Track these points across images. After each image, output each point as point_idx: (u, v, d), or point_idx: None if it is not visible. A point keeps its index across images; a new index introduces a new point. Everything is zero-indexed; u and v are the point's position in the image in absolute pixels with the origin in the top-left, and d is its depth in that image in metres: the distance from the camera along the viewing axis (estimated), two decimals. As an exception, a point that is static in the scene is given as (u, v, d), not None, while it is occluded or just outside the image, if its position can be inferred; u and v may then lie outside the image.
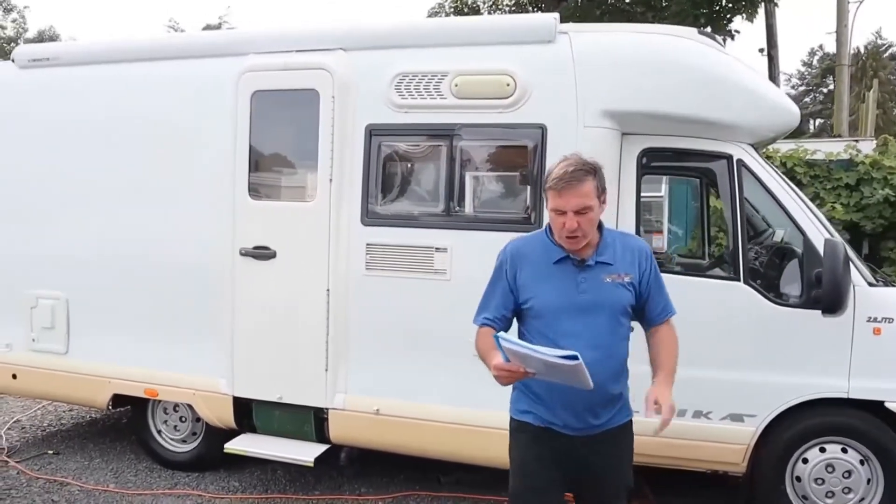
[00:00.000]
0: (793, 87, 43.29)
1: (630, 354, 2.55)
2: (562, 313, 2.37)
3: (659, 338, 2.56)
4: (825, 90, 39.71)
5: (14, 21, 33.93)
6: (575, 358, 2.07)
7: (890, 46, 41.00)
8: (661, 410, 2.36)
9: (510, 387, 2.49)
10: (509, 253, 2.52)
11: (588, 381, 2.16)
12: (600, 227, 2.46)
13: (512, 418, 2.58)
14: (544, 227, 2.49)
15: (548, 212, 2.39)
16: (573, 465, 2.46)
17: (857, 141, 8.35)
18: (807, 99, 42.45)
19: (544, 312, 2.42)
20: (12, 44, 36.35)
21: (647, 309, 2.53)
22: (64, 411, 6.13)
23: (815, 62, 42.83)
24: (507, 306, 2.50)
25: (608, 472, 2.50)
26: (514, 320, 2.57)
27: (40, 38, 37.95)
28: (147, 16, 65.25)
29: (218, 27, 21.01)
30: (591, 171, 2.34)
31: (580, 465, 2.46)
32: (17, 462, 4.91)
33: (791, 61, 53.89)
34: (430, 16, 18.59)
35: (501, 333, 2.23)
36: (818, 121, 40.05)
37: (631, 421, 2.57)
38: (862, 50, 39.03)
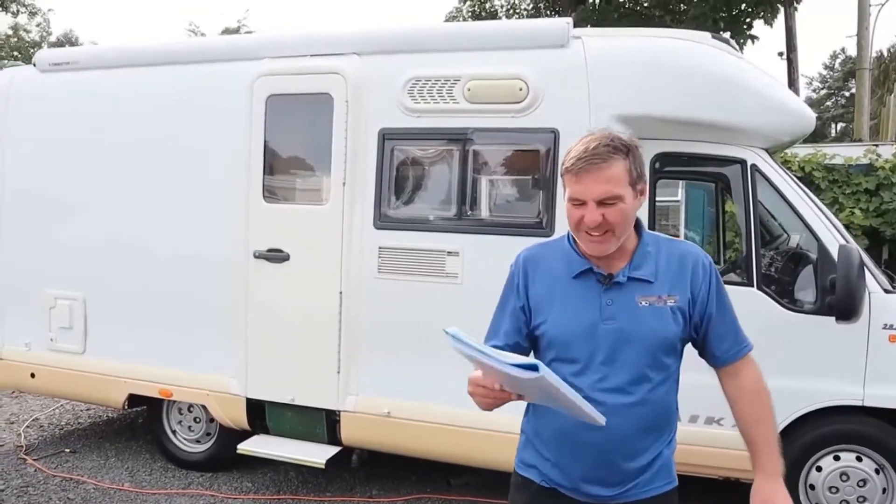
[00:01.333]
0: (814, 91, 42.85)
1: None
2: (579, 345, 1.80)
3: (742, 389, 1.94)
4: (847, 94, 39.25)
5: (38, 25, 34.43)
6: (534, 369, 1.50)
7: (914, 49, 40.40)
8: None
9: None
10: (522, 262, 1.95)
11: (592, 413, 1.65)
12: (639, 229, 1.87)
13: (514, 471, 2.02)
14: (567, 231, 1.93)
15: (565, 204, 1.82)
16: None
17: (876, 145, 8.23)
18: (828, 102, 41.98)
19: (556, 342, 1.84)
20: (36, 47, 36.92)
21: (711, 343, 1.91)
22: (81, 410, 6.21)
23: (836, 65, 42.34)
24: (521, 331, 1.90)
25: None
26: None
27: (61, 42, 38.48)
28: (167, 20, 66.00)
29: (237, 31, 21.20)
30: (621, 148, 1.75)
31: None
32: (34, 460, 4.98)
33: (813, 64, 53.41)
34: (447, 21, 18.63)
35: (453, 328, 1.59)
36: (840, 125, 39.59)
37: (674, 490, 1.92)
38: (885, 53, 38.52)
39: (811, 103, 39.91)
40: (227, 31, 22.56)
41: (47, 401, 6.35)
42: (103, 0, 69.66)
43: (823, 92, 43.05)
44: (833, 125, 40.46)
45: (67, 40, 38.61)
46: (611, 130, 1.83)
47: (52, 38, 37.92)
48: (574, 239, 1.88)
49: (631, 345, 1.79)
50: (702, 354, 1.97)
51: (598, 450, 1.81)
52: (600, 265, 1.84)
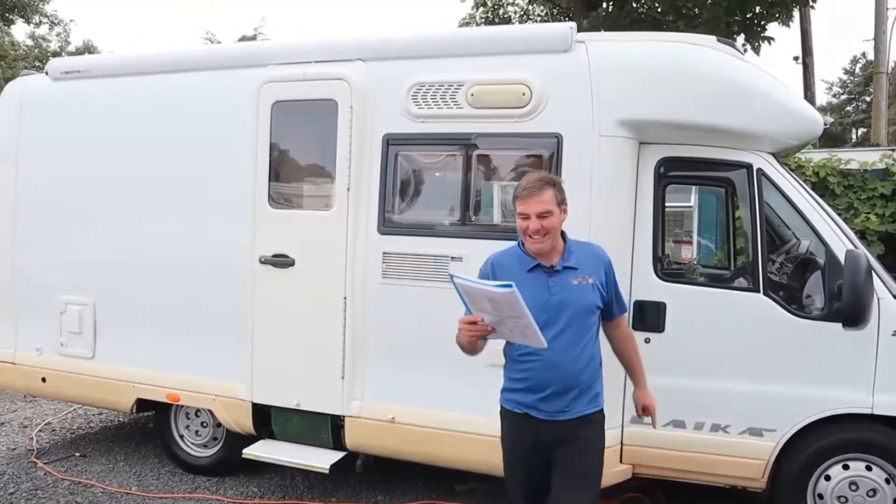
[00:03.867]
0: (834, 96, 42.37)
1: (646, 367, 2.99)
2: (538, 313, 2.54)
3: (621, 334, 3.01)
4: (868, 98, 38.75)
5: (58, 35, 34.91)
6: (508, 286, 2.37)
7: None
8: (649, 412, 3.00)
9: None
10: (490, 264, 2.88)
11: (538, 335, 2.47)
12: (564, 237, 2.82)
13: (500, 406, 2.91)
14: (517, 241, 2.84)
15: (517, 219, 2.75)
16: (547, 447, 2.78)
17: (893, 150, 8.10)
18: (849, 108, 41.50)
19: None
20: (56, 57, 37.41)
21: (609, 307, 2.88)
22: (93, 415, 6.27)
23: (857, 70, 41.84)
24: None
25: (575, 456, 2.78)
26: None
27: (80, 52, 38.98)
28: (184, 29, 66.62)
29: (253, 38, 21.36)
30: (550, 182, 2.74)
31: (552, 447, 2.77)
32: (44, 463, 5.03)
33: (834, 69, 52.82)
34: (460, 27, 18.66)
35: (455, 272, 2.58)
36: (861, 130, 39.11)
37: (601, 412, 2.85)
38: (907, 56, 37.97)
39: (831, 108, 39.46)
40: (244, 39, 22.69)
41: (60, 405, 6.41)
42: (122, 10, 70.71)
43: (844, 97, 42.57)
44: (854, 130, 39.99)
45: (87, 50, 39.10)
46: (543, 172, 3.06)
47: (72, 48, 38.44)
48: (522, 246, 2.81)
49: (570, 309, 2.72)
50: (602, 315, 2.87)
51: (556, 382, 2.71)
52: (543, 261, 2.75)
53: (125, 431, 5.89)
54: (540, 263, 2.75)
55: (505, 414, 2.90)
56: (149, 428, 5.82)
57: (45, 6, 26.77)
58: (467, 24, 18.73)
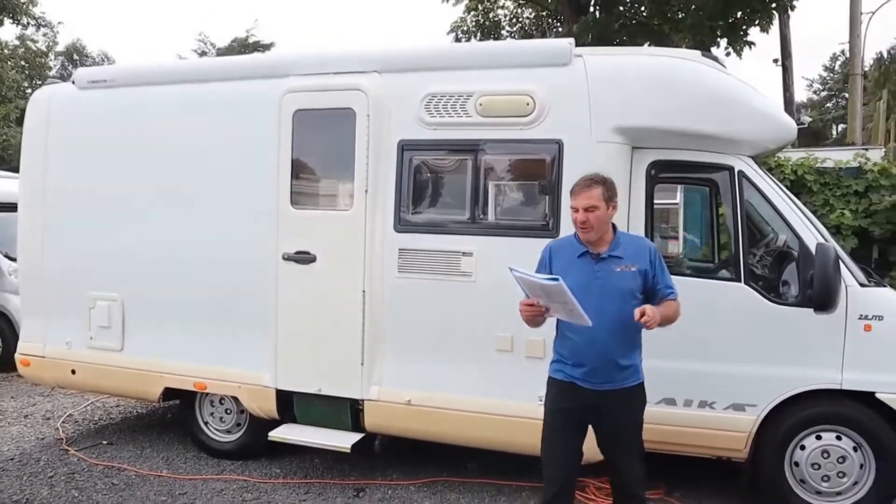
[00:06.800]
0: (814, 93, 42.95)
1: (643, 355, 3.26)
2: (582, 293, 2.97)
3: (665, 303, 3.24)
4: (847, 95, 39.33)
5: (45, 35, 34.74)
6: (556, 280, 2.89)
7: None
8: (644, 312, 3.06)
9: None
10: (549, 248, 3.38)
11: (583, 316, 2.93)
12: (614, 229, 3.24)
13: (549, 376, 3.36)
14: (574, 232, 3.26)
15: (571, 212, 3.20)
16: (589, 413, 3.22)
17: (866, 149, 8.56)
18: (829, 104, 42.11)
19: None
20: (43, 57, 37.21)
21: (655, 290, 3.22)
22: (112, 406, 6.56)
23: (836, 67, 42.48)
24: None
25: (618, 423, 3.23)
26: None
27: (69, 52, 38.85)
28: (177, 30, 66.31)
29: (245, 40, 21.60)
30: (599, 181, 3.18)
31: (595, 413, 3.21)
32: (76, 451, 5.33)
33: (813, 66, 53.56)
34: (452, 30, 18.98)
35: (514, 266, 3.04)
36: (841, 126, 39.69)
37: (641, 385, 3.26)
38: (885, 55, 38.58)
39: (811, 105, 40.01)
40: (235, 41, 22.94)
41: (77, 398, 6.70)
42: (111, 10, 70.21)
43: (824, 93, 43.17)
44: (834, 127, 40.59)
45: (76, 50, 38.96)
46: (599, 172, 3.28)
47: (59, 48, 38.23)
48: (577, 237, 3.22)
49: (612, 292, 3.14)
50: (649, 299, 3.18)
51: (598, 358, 3.13)
52: (592, 249, 3.19)
53: (145, 421, 6.19)
54: (588, 251, 3.18)
55: (552, 382, 3.32)
56: (167, 418, 6.14)
57: (33, 8, 26.69)
58: (458, 27, 19.05)
